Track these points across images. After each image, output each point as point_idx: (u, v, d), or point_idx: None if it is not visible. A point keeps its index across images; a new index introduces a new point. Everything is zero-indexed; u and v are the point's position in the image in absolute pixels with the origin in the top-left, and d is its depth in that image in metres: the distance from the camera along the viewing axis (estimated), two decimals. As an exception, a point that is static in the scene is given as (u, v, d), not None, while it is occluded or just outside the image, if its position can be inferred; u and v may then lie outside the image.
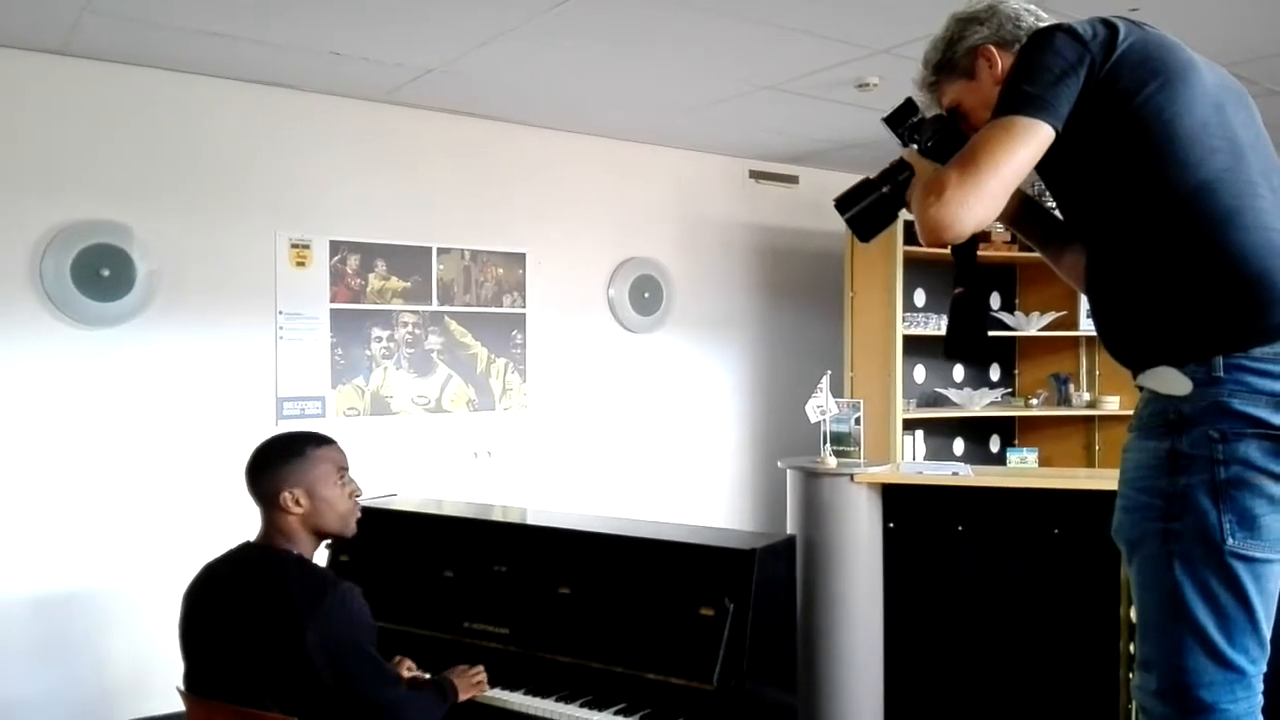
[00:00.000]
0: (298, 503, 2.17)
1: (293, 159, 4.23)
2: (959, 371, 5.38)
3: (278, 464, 2.20)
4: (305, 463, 2.21)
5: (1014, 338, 5.39)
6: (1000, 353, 5.53)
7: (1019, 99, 1.58)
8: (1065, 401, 5.27)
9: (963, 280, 1.89)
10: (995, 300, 5.40)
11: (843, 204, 1.84)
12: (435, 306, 4.60)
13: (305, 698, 2.01)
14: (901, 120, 1.89)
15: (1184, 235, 1.56)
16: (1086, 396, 5.30)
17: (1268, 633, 1.56)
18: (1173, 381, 1.56)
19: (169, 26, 3.46)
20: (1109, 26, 1.62)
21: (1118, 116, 1.59)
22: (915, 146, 1.83)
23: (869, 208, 1.81)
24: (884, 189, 1.80)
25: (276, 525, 2.19)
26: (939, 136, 1.79)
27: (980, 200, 1.54)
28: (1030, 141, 1.56)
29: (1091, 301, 1.73)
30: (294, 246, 4.23)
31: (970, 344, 1.90)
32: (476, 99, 4.42)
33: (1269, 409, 1.50)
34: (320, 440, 2.27)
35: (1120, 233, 1.63)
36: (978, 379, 5.41)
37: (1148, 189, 1.59)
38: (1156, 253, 1.58)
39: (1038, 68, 1.59)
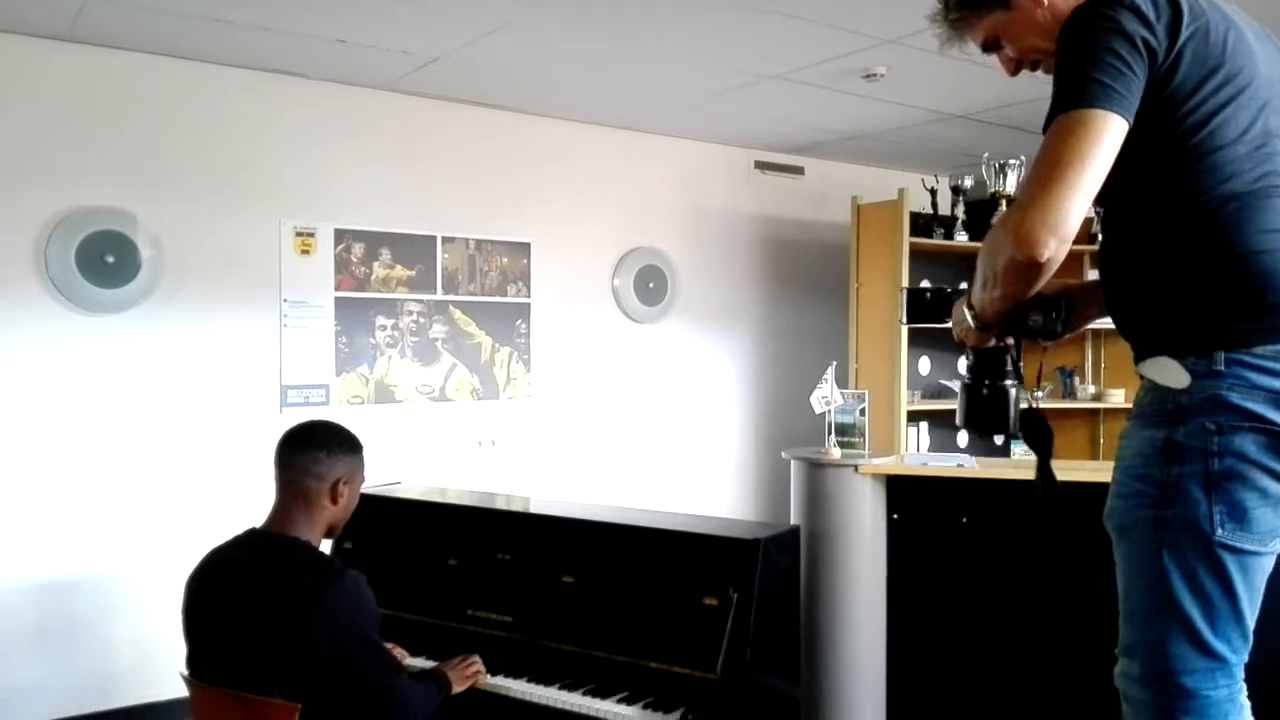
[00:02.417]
0: (343, 495, 2.20)
1: (298, 147, 4.22)
2: (963, 364, 5.36)
3: (341, 453, 2.22)
4: (358, 460, 2.27)
5: (1019, 330, 5.36)
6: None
7: (1089, 90, 1.46)
8: (1070, 394, 5.27)
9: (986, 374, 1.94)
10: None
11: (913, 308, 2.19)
12: (440, 295, 4.60)
13: (308, 684, 2.01)
14: (918, 308, 2.16)
15: (1198, 227, 1.54)
16: (1092, 389, 5.29)
17: (1251, 623, 1.57)
18: (1171, 373, 1.55)
19: (174, 13, 3.45)
20: (1173, 6, 1.51)
21: (1161, 109, 1.52)
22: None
23: (927, 308, 2.17)
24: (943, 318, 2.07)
25: (304, 510, 2.18)
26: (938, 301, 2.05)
27: (1074, 197, 1.43)
28: (1108, 135, 1.45)
29: (1103, 281, 1.71)
30: (299, 234, 4.22)
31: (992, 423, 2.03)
32: (482, 88, 4.40)
33: (1267, 405, 1.50)
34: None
35: (1137, 217, 1.61)
36: (982, 371, 5.39)
37: (1173, 183, 1.55)
38: (1169, 242, 1.56)
39: (1104, 51, 1.47)
